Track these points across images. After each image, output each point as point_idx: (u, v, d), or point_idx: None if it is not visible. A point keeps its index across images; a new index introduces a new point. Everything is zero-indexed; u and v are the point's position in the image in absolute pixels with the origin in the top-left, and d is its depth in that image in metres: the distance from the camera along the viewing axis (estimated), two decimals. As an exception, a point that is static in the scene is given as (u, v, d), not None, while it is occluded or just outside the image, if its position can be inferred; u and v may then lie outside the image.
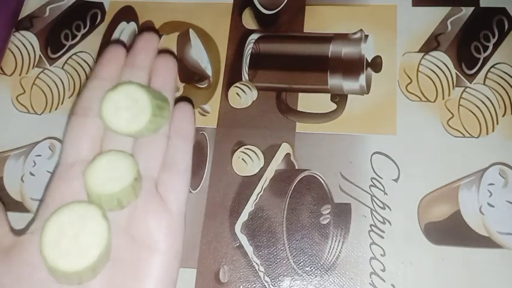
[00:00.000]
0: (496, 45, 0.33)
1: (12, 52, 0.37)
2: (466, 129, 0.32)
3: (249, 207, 0.31)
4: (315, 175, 0.32)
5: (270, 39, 0.36)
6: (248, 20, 0.36)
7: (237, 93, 0.34)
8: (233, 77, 0.35)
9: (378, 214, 0.30)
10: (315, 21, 0.36)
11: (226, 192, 0.32)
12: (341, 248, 0.30)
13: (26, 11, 0.39)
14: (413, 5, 0.35)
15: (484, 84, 0.33)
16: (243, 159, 0.32)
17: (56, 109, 0.35)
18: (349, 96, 0.33)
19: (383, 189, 0.31)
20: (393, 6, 0.35)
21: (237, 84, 0.35)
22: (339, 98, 0.33)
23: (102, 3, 0.38)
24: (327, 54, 0.34)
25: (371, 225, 0.30)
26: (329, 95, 0.34)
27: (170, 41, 0.36)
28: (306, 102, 0.34)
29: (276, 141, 0.33)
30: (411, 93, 0.33)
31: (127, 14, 0.38)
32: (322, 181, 0.31)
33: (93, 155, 0.27)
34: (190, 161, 0.29)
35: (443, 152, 0.31)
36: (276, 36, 0.36)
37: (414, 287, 0.28)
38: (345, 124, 0.33)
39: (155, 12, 0.37)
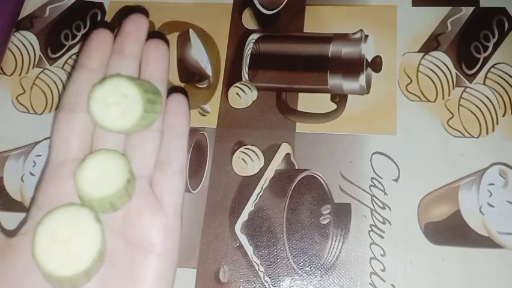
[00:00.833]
0: (496, 45, 0.33)
1: (12, 52, 0.37)
2: (466, 129, 0.32)
3: (249, 207, 0.31)
4: (315, 175, 0.32)
5: (270, 39, 0.36)
6: (248, 20, 0.36)
7: (237, 93, 0.34)
8: (233, 77, 0.35)
9: (378, 214, 0.30)
10: (315, 21, 0.36)
11: (226, 192, 0.32)
12: (341, 248, 0.30)
13: (26, 11, 0.39)
14: (413, 5, 0.35)
15: (484, 84, 0.33)
16: (243, 159, 0.32)
17: (56, 109, 0.35)
18: (349, 96, 0.33)
19: (383, 189, 0.31)
20: (393, 6, 0.35)
21: (237, 84, 0.35)
22: (339, 98, 0.33)
23: (102, 3, 0.38)
24: (327, 54, 0.34)
25: (371, 225, 0.30)
26: (329, 95, 0.34)
27: (170, 41, 0.36)
28: (306, 102, 0.34)
29: (276, 141, 0.33)
30: (411, 93, 0.33)
31: (127, 14, 0.38)
32: (322, 181, 0.31)
33: (83, 153, 0.26)
34: (185, 159, 0.27)
35: (443, 152, 0.31)
36: (276, 36, 0.36)
37: (414, 287, 0.28)
38: (345, 124, 0.33)
39: (155, 12, 0.37)
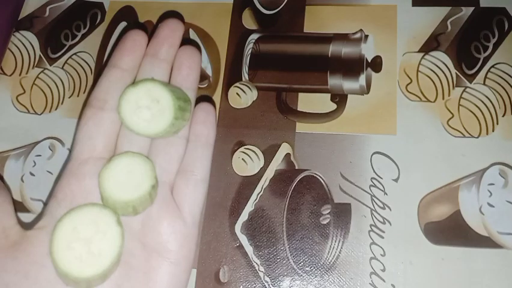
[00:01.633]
0: (496, 45, 0.33)
1: (12, 52, 0.37)
2: (466, 129, 0.32)
3: (249, 207, 0.31)
4: (315, 175, 0.32)
5: (270, 39, 0.36)
6: (248, 20, 0.36)
7: (237, 93, 0.34)
8: (233, 77, 0.35)
9: (378, 214, 0.30)
10: (315, 21, 0.36)
11: (226, 192, 0.32)
12: (341, 248, 0.30)
13: (26, 11, 0.39)
14: (413, 5, 0.35)
15: (484, 84, 0.33)
16: (243, 159, 0.32)
17: (56, 109, 0.35)
18: (349, 96, 0.33)
19: (383, 189, 0.31)
20: (393, 6, 0.35)
21: (237, 84, 0.35)
22: (339, 98, 0.33)
23: (102, 3, 0.38)
24: (327, 54, 0.34)
25: (371, 225, 0.30)
26: (329, 95, 0.34)
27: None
28: (306, 102, 0.34)
29: (276, 141, 0.33)
30: (411, 93, 0.33)
31: (127, 14, 0.38)
32: (322, 181, 0.31)
33: (107, 152, 0.26)
34: (208, 169, 0.27)
35: (443, 152, 0.31)
36: (276, 36, 0.36)
37: (414, 287, 0.28)
38: (345, 124, 0.33)
39: (155, 12, 0.37)
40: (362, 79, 0.33)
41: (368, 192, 0.31)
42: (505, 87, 0.32)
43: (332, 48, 0.34)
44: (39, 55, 0.37)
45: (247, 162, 0.32)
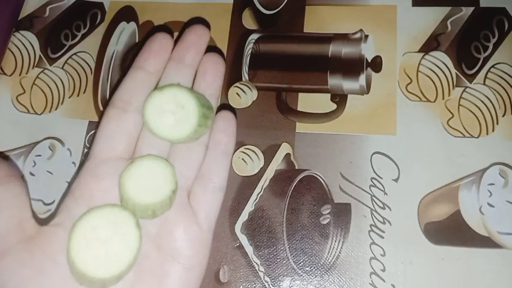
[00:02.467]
0: (496, 45, 0.33)
1: (12, 52, 0.37)
2: (466, 129, 0.32)
3: (249, 207, 0.31)
4: (315, 175, 0.32)
5: (270, 39, 0.36)
6: (248, 20, 0.36)
7: (237, 93, 0.34)
8: (233, 77, 0.35)
9: (378, 214, 0.30)
10: (315, 21, 0.36)
11: (226, 192, 0.32)
12: (341, 248, 0.30)
13: (26, 11, 0.39)
14: (413, 5, 0.35)
15: (484, 84, 0.33)
16: (243, 159, 0.32)
17: (56, 109, 0.35)
18: (349, 96, 0.33)
19: (383, 189, 0.31)
20: (393, 6, 0.35)
21: (237, 84, 0.35)
22: (339, 98, 0.33)
23: (102, 3, 0.38)
24: (327, 54, 0.34)
25: (371, 225, 0.30)
26: (329, 95, 0.34)
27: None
28: (306, 102, 0.34)
29: (276, 141, 0.33)
30: (411, 93, 0.33)
31: (127, 14, 0.38)
32: (322, 181, 0.31)
33: (127, 154, 0.26)
34: (226, 178, 0.27)
35: (443, 152, 0.31)
36: (276, 36, 0.36)
37: (414, 287, 0.28)
38: (345, 124, 0.33)
39: (155, 12, 0.37)
40: (362, 79, 0.33)
41: (368, 192, 0.31)
42: (505, 87, 0.32)
43: (332, 48, 0.34)
44: (39, 55, 0.37)
45: (247, 162, 0.32)
